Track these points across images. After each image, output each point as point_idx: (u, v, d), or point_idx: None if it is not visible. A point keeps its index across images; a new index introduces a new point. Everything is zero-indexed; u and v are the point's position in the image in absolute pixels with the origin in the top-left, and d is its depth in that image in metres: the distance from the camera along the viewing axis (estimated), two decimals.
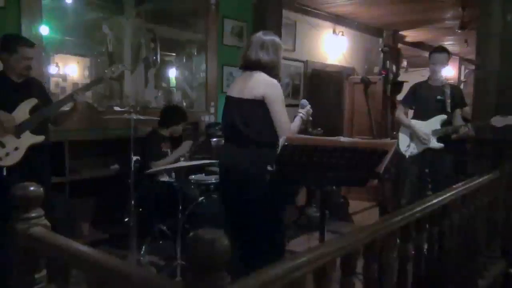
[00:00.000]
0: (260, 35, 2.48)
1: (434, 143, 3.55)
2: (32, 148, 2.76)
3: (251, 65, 2.43)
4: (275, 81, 2.38)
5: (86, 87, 3.08)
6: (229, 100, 2.50)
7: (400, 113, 3.80)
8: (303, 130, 2.54)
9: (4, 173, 2.65)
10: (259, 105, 2.33)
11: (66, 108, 2.99)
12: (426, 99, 3.66)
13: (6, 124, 2.66)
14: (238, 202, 2.44)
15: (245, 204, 2.40)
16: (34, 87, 2.91)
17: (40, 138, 2.81)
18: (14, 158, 2.70)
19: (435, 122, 3.57)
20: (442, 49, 3.71)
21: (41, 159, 2.86)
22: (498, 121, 3.34)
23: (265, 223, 2.39)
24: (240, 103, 2.40)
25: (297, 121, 2.46)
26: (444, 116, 3.55)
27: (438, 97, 3.60)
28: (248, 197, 2.38)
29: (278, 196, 2.42)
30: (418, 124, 3.62)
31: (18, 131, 2.71)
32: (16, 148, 2.71)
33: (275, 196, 2.39)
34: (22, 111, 2.75)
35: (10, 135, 2.69)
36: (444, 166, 3.59)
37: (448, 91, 3.58)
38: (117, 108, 3.97)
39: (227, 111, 2.51)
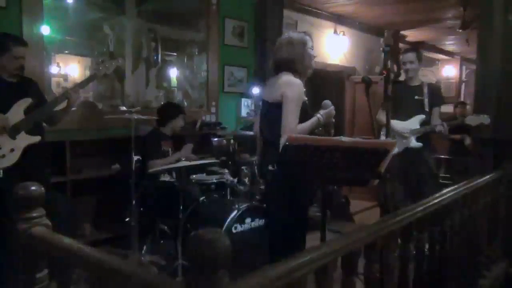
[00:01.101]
0: (284, 35, 2.54)
1: (414, 143, 3.59)
2: (29, 149, 2.70)
3: (274, 66, 2.51)
4: (295, 81, 2.39)
5: (80, 85, 2.98)
6: (262, 103, 2.61)
7: (380, 114, 3.80)
8: (321, 134, 2.51)
9: (1, 175, 2.59)
10: (280, 108, 2.36)
11: (60, 107, 2.91)
12: (404, 99, 3.67)
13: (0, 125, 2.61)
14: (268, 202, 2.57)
15: (271, 204, 2.52)
16: (29, 86, 2.84)
17: (36, 139, 2.74)
18: (11, 159, 2.63)
19: (414, 121, 3.61)
20: (409, 49, 3.76)
21: (38, 160, 2.80)
22: (472, 120, 3.41)
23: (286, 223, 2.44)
24: (266, 106, 2.49)
25: (310, 122, 2.41)
26: (422, 116, 3.60)
27: (416, 96, 3.64)
28: (272, 196, 2.49)
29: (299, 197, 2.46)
30: (397, 124, 3.65)
31: (13, 132, 2.65)
32: (12, 150, 2.64)
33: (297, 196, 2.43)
34: (17, 112, 2.69)
35: (5, 136, 2.62)
36: (426, 165, 3.63)
37: (426, 90, 3.62)
38: (123, 108, 3.97)
39: (260, 115, 2.62)
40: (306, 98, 2.45)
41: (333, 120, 2.55)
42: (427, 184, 3.56)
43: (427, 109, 3.59)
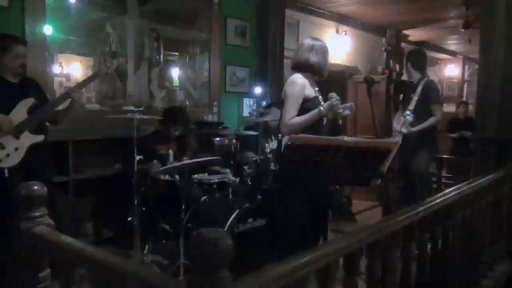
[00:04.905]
0: (306, 39, 2.71)
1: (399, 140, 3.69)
2: (33, 148, 2.74)
3: (292, 67, 2.70)
4: (297, 79, 2.56)
5: (82, 84, 3.02)
6: None
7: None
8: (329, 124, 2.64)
9: (6, 175, 2.62)
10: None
11: (62, 106, 2.95)
12: (407, 96, 3.84)
13: (4, 126, 2.63)
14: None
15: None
16: (31, 86, 2.88)
17: (39, 138, 2.79)
18: (15, 159, 2.67)
19: (399, 119, 3.74)
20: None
21: (42, 159, 2.84)
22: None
23: None
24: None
25: (310, 114, 2.52)
26: (404, 113, 3.71)
27: (412, 94, 3.74)
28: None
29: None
30: (398, 118, 3.81)
31: (17, 131, 2.69)
32: (16, 149, 2.68)
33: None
34: (20, 112, 2.72)
35: (9, 136, 2.66)
36: (410, 162, 3.67)
37: (420, 88, 3.67)
38: (125, 108, 3.97)
39: None
40: (313, 95, 2.59)
41: (340, 111, 2.62)
42: (413, 183, 3.64)
43: (411, 107, 3.66)
